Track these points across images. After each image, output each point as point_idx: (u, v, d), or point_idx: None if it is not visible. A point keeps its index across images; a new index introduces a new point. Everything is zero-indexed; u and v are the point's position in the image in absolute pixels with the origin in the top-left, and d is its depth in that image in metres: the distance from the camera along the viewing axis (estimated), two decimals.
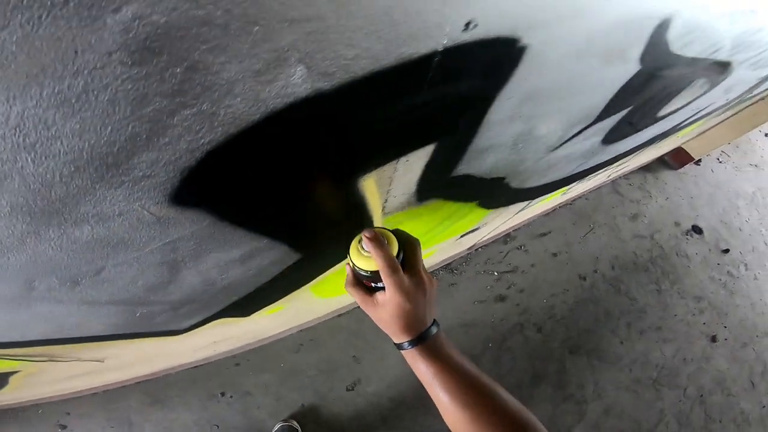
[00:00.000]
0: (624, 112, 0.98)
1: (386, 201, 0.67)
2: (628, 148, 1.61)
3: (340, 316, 1.97)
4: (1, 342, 0.59)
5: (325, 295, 1.40)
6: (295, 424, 1.69)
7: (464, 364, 0.50)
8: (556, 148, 0.96)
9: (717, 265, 2.97)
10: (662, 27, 0.56)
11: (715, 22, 0.66)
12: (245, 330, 1.38)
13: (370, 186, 0.57)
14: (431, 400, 0.51)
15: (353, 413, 1.83)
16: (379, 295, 0.53)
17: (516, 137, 0.72)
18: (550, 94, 0.61)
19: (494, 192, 1.08)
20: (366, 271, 0.52)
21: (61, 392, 1.47)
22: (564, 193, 2.11)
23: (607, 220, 2.86)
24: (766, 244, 3.29)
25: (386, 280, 0.50)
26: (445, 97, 0.43)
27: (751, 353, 2.64)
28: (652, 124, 1.31)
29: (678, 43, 0.65)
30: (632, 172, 3.18)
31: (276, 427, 1.68)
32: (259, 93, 0.28)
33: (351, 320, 2.00)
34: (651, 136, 1.59)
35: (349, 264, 0.56)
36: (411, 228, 0.70)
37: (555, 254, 2.58)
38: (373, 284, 0.54)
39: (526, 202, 1.61)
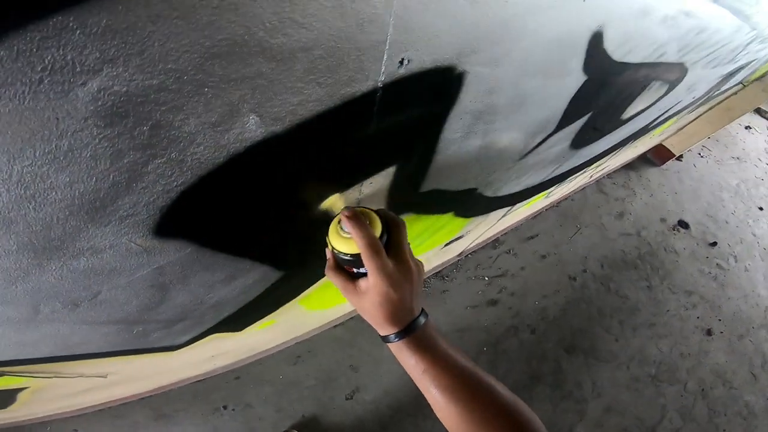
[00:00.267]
0: (585, 119, 1.03)
1: None
2: (601, 150, 1.67)
3: (335, 327, 2.01)
4: (12, 360, 0.64)
5: (315, 308, 1.44)
6: None
7: (456, 356, 0.46)
8: (524, 156, 1.01)
9: (706, 259, 3.02)
10: (596, 39, 0.61)
11: (652, 28, 0.70)
12: (241, 344, 1.41)
13: (339, 207, 0.61)
14: (431, 405, 0.46)
15: (353, 422, 1.85)
16: (361, 281, 0.48)
17: (477, 151, 0.77)
18: (502, 110, 0.66)
19: (468, 202, 1.13)
20: (346, 255, 0.46)
21: (69, 408, 1.49)
22: (546, 196, 2.16)
23: (593, 220, 2.93)
24: (754, 235, 3.35)
25: (368, 264, 0.45)
26: (396, 124, 0.48)
27: (749, 345, 2.65)
28: (619, 126, 1.37)
29: (619, 52, 0.70)
30: (615, 171, 3.26)
31: None
32: (219, 140, 0.33)
33: (346, 331, 2.04)
34: (622, 138, 1.66)
35: (328, 247, 0.51)
36: None
37: (544, 256, 2.63)
38: (355, 270, 0.48)
39: (507, 208, 1.66)
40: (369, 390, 1.92)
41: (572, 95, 0.78)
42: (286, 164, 0.43)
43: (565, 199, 2.92)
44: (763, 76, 2.53)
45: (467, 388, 0.44)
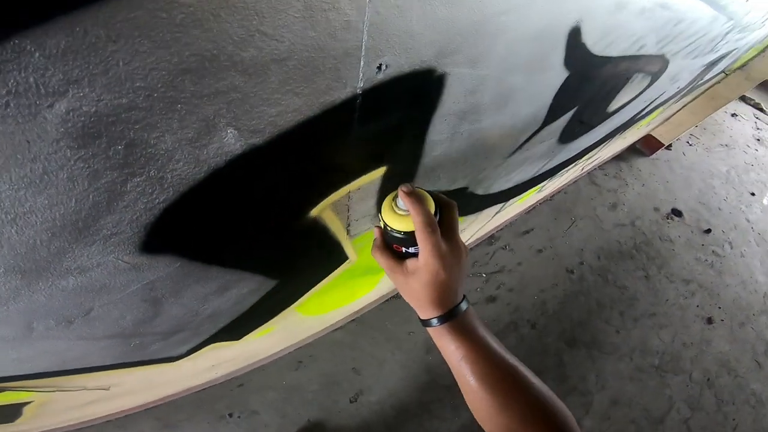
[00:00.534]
0: (571, 113, 1.04)
1: (349, 225, 0.72)
2: (590, 143, 1.68)
3: (335, 330, 2.00)
4: (12, 376, 0.64)
5: (313, 313, 1.43)
6: None
7: (496, 347, 0.45)
8: (512, 153, 1.02)
9: (701, 246, 3.04)
10: (575, 33, 0.62)
11: (630, 21, 0.70)
12: (241, 352, 1.42)
13: (328, 215, 0.61)
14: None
15: (359, 424, 1.85)
16: (409, 261, 0.47)
17: (465, 152, 0.78)
18: (486, 109, 0.66)
19: (460, 202, 1.13)
20: (399, 232, 0.46)
21: (75, 421, 1.49)
22: (539, 191, 2.18)
23: (587, 212, 2.94)
24: (747, 220, 3.39)
25: (423, 243, 0.44)
26: (378, 130, 0.48)
27: (751, 333, 2.65)
28: (606, 119, 1.38)
29: (599, 46, 0.71)
30: (606, 163, 3.29)
31: None
32: (198, 156, 0.33)
33: (346, 334, 2.03)
34: (609, 130, 1.67)
35: (378, 226, 0.50)
36: None
37: (540, 250, 2.64)
38: (404, 249, 0.47)
39: (500, 205, 1.67)
40: (373, 392, 1.92)
41: (556, 90, 0.79)
42: (269, 176, 0.43)
43: (558, 192, 2.94)
44: (745, 64, 2.57)
45: (505, 380, 0.43)
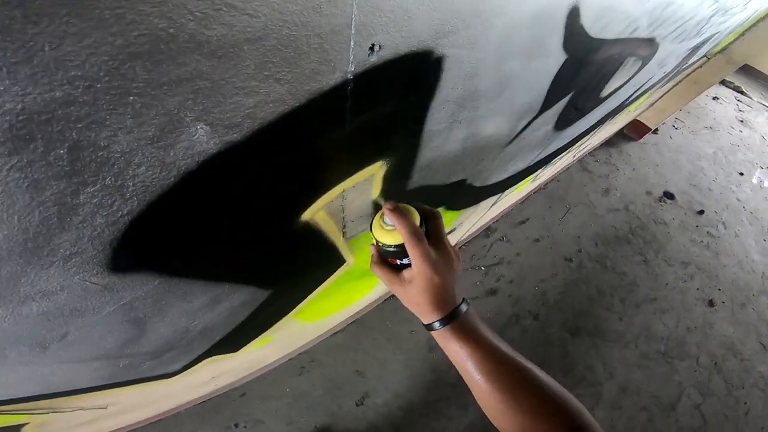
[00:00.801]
0: (567, 99, 1.01)
1: (344, 227, 0.67)
2: (584, 129, 1.66)
3: (335, 334, 1.97)
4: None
5: (313, 319, 1.39)
6: None
7: (499, 344, 0.47)
8: (510, 142, 0.98)
9: (696, 228, 3.06)
10: (573, 14, 0.59)
11: (624, 2, 0.69)
12: (239, 363, 1.38)
13: (322, 217, 0.56)
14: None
15: (367, 427, 1.82)
16: (405, 272, 0.50)
17: (463, 141, 0.73)
18: (485, 95, 0.62)
19: (458, 194, 1.09)
20: (390, 246, 0.49)
21: None
22: (533, 180, 2.15)
23: (581, 199, 2.93)
24: (738, 200, 3.42)
25: (412, 252, 0.47)
26: (373, 120, 0.44)
27: (752, 314, 2.67)
28: (598, 105, 1.35)
29: (595, 28, 0.68)
30: (596, 149, 3.29)
31: None
32: (163, 158, 0.28)
33: (347, 336, 1.99)
34: (602, 116, 1.65)
35: (373, 244, 0.53)
36: None
37: (537, 240, 2.62)
38: (398, 261, 0.51)
39: (496, 196, 1.63)
40: (378, 393, 1.88)
41: (554, 75, 0.77)
42: (252, 177, 0.38)
43: (552, 180, 2.92)
44: (725, 48, 2.59)
45: (512, 376, 0.44)
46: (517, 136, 0.98)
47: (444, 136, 0.65)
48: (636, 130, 3.45)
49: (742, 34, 2.48)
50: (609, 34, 0.76)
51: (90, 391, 0.76)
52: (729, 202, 3.35)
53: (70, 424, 1.10)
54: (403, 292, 0.50)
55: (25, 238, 0.28)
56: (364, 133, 0.45)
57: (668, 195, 3.20)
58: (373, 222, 0.52)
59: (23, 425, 0.88)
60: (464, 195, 1.16)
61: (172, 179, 0.31)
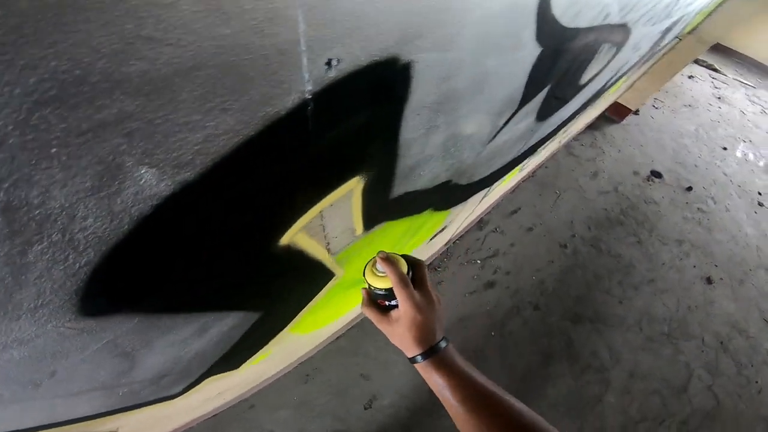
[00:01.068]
0: (546, 89, 1.00)
1: (329, 244, 0.65)
2: (566, 117, 1.65)
3: (338, 339, 1.95)
4: None
5: (310, 330, 1.36)
6: None
7: (475, 375, 0.52)
8: (492, 138, 0.97)
9: (686, 204, 3.08)
10: (544, 5, 0.57)
11: None
12: (244, 378, 1.37)
13: (302, 239, 0.54)
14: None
15: (377, 430, 1.80)
16: (393, 312, 0.56)
17: (444, 144, 0.71)
18: (463, 96, 0.60)
19: (445, 195, 1.08)
20: (381, 289, 0.55)
21: None
22: (521, 170, 2.14)
23: (570, 184, 2.94)
24: (725, 174, 3.45)
25: (399, 295, 0.53)
26: (341, 137, 0.41)
27: (752, 290, 2.66)
28: (578, 92, 1.34)
29: (567, 16, 0.67)
30: (580, 133, 3.30)
31: None
32: (111, 207, 0.26)
33: (349, 341, 1.97)
34: (582, 102, 1.65)
35: (364, 288, 0.59)
36: (368, 255, 0.68)
37: (530, 228, 2.61)
38: (387, 303, 0.57)
39: (485, 190, 1.62)
40: (385, 395, 1.87)
41: (531, 68, 0.75)
42: (216, 213, 0.35)
43: (540, 168, 2.92)
44: (695, 28, 2.62)
45: (487, 402, 0.49)
46: (499, 131, 0.96)
47: (423, 142, 0.62)
48: (617, 112, 3.48)
49: (710, 14, 2.52)
50: (582, 23, 0.75)
51: (96, 418, 0.76)
52: (716, 177, 3.38)
53: None
54: (390, 329, 0.56)
55: None
56: (334, 152, 0.42)
57: (656, 174, 3.22)
58: (366, 269, 0.58)
59: None
60: (451, 195, 1.15)
61: (126, 226, 0.28)
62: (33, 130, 0.19)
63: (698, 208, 3.07)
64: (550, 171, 2.96)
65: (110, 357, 0.50)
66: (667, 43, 2.21)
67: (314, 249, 0.61)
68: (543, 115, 1.22)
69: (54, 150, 0.20)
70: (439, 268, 2.28)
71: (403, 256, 0.60)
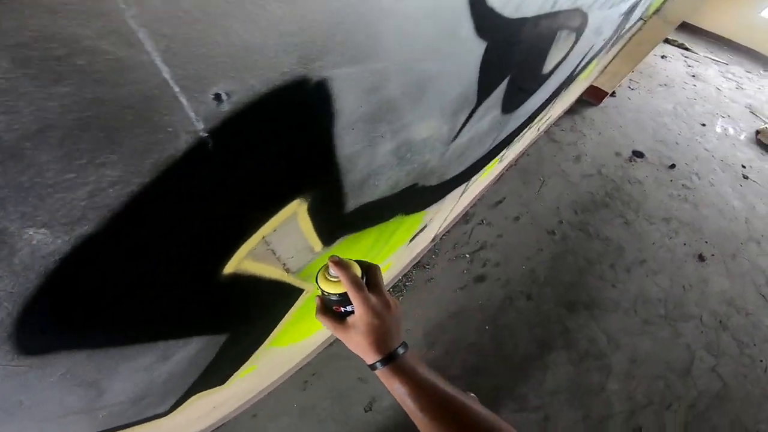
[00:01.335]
0: (506, 82, 0.99)
1: (285, 264, 0.64)
2: (538, 106, 1.65)
3: (331, 345, 1.95)
4: None
5: (294, 341, 1.35)
6: None
7: (435, 381, 0.51)
8: (455, 137, 0.96)
9: (670, 182, 3.09)
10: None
11: None
12: (234, 392, 1.34)
13: (250, 265, 0.53)
14: None
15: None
16: (349, 318, 0.55)
17: (396, 152, 0.71)
18: (401, 103, 0.59)
19: (414, 198, 1.07)
20: (334, 295, 0.54)
21: None
22: (500, 161, 2.14)
23: (553, 169, 2.94)
24: (706, 150, 3.47)
25: (354, 298, 0.52)
26: (262, 164, 0.40)
27: (745, 264, 2.64)
28: (544, 81, 1.34)
29: (509, 8, 0.66)
30: (560, 118, 3.30)
31: None
32: (11, 269, 0.25)
33: (343, 347, 1.92)
34: (552, 90, 1.64)
35: (318, 295, 0.58)
36: None
37: (517, 218, 2.62)
38: (342, 309, 0.56)
39: (463, 186, 1.61)
40: (384, 397, 1.89)
41: (479, 64, 0.74)
42: (136, 254, 0.34)
43: (522, 156, 2.92)
44: (659, 9, 2.63)
45: (448, 408, 0.49)
46: (461, 129, 0.95)
47: (369, 154, 0.62)
48: (594, 95, 3.49)
49: None
50: (528, 12, 0.74)
51: None
52: (697, 153, 3.41)
53: None
54: (347, 336, 0.55)
55: None
56: (258, 182, 0.41)
57: (637, 154, 3.24)
58: (318, 275, 0.57)
59: None
60: (421, 197, 1.14)
61: (36, 280, 0.27)
62: None
63: (683, 185, 3.09)
64: (533, 158, 2.97)
65: (72, 386, 0.49)
66: (632, 25, 2.21)
67: (268, 272, 0.61)
68: (509, 107, 1.21)
69: None
70: (427, 265, 2.28)
71: (357, 261, 0.58)
